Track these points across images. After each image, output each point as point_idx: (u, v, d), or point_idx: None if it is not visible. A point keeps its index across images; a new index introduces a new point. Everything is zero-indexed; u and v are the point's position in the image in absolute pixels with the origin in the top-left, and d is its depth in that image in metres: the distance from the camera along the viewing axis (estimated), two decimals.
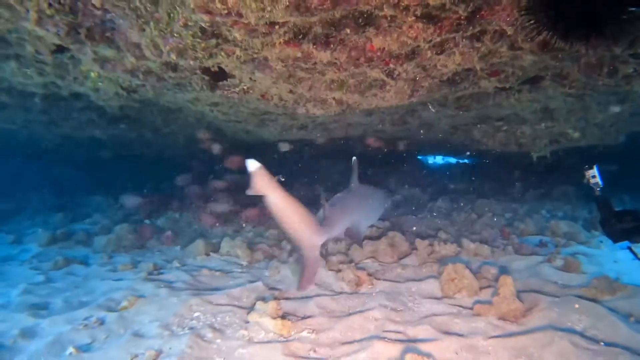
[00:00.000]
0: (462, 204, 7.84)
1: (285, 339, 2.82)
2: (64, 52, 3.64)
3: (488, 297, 3.38)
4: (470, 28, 2.80)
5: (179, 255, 5.23)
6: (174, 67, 3.51)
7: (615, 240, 3.61)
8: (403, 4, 2.35)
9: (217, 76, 3.82)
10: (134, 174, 10.33)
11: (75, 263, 4.82)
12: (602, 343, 2.55)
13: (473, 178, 10.53)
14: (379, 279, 4.00)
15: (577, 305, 3.01)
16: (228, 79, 3.89)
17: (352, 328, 2.95)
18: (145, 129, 7.55)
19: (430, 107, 4.70)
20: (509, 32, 2.83)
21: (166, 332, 2.90)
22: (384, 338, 2.70)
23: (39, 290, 3.81)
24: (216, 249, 5.23)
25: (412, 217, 6.68)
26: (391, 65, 3.39)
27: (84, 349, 2.71)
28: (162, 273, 4.41)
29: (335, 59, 3.14)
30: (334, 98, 4.07)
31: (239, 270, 4.50)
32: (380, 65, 3.37)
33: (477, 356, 2.54)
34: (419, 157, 14.24)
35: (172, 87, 4.20)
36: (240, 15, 2.16)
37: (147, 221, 7.37)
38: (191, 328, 2.98)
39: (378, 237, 4.97)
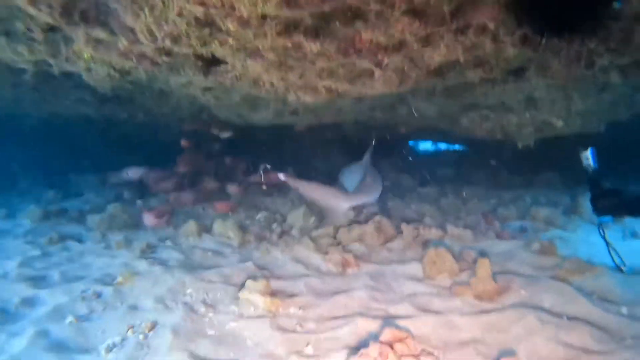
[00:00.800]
0: (449, 190, 8.06)
1: (273, 315, 3.00)
2: (57, 32, 3.68)
3: (467, 279, 3.59)
4: (455, 23, 2.92)
5: (171, 235, 5.37)
6: (168, 52, 3.57)
7: (598, 215, 3.93)
8: (389, 1, 2.46)
9: (210, 62, 3.90)
10: (125, 154, 10.35)
11: (69, 239, 4.94)
12: (565, 317, 2.78)
13: (462, 165, 10.76)
14: (365, 262, 4.19)
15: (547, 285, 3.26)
16: (221, 65, 3.96)
17: (337, 306, 3.14)
18: (137, 110, 7.57)
19: (414, 111, 5.08)
20: (490, 27, 2.95)
21: (161, 305, 3.08)
22: (366, 315, 2.90)
23: (35, 264, 3.95)
24: (208, 229, 5.37)
25: (399, 202, 6.87)
26: (379, 57, 3.49)
27: (83, 318, 2.89)
28: (155, 252, 4.56)
29: (325, 49, 3.24)
30: (324, 86, 4.17)
31: (231, 250, 4.66)
32: (369, 56, 3.48)
33: (452, 331, 2.76)
34: (409, 142, 14.39)
35: (166, 72, 4.26)
36: (233, 8, 2.25)
37: (139, 201, 7.47)
38: (184, 303, 3.15)
39: (365, 222, 5.16)
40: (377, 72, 3.91)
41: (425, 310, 3.04)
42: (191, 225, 5.35)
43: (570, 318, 2.79)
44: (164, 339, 2.62)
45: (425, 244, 4.59)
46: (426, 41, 3.29)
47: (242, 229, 5.25)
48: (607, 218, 3.96)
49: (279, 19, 2.64)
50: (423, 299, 3.23)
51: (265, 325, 2.80)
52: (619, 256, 3.76)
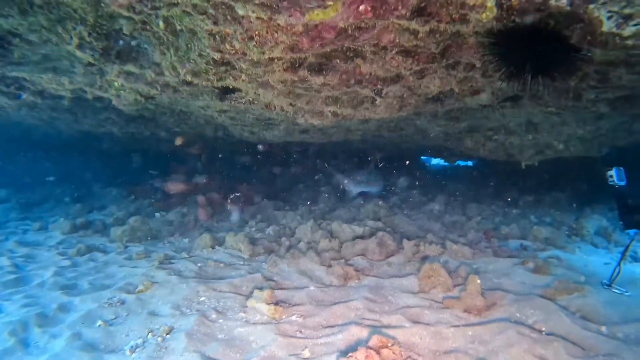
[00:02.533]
0: (455, 207, 8.26)
1: (277, 322, 3.31)
2: (94, 65, 4.15)
3: (459, 294, 3.83)
4: (445, 60, 3.25)
5: (187, 247, 5.74)
6: (189, 83, 3.99)
7: (625, 227, 4.21)
8: (381, 45, 2.81)
9: (226, 90, 4.31)
10: (145, 168, 10.89)
11: (95, 251, 5.37)
12: (544, 332, 3.01)
13: (471, 181, 10.92)
14: (365, 275, 4.46)
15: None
16: (235, 92, 4.37)
17: (335, 315, 3.43)
18: (159, 128, 8.09)
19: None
20: (477, 65, 3.27)
21: (177, 312, 3.42)
22: (361, 324, 3.18)
23: (66, 273, 4.37)
24: (221, 242, 5.72)
25: (405, 218, 7.12)
26: (379, 86, 3.84)
27: (110, 322, 3.26)
28: (172, 263, 4.92)
29: (328, 80, 3.60)
30: (329, 111, 4.53)
31: (241, 262, 4.99)
32: (369, 86, 3.83)
33: (438, 341, 3.01)
34: (422, 158, 14.61)
35: (186, 97, 4.70)
36: (245, 54, 2.63)
37: (157, 214, 7.90)
38: (198, 310, 3.49)
39: (369, 236, 5.44)
40: (378, 99, 4.26)
41: (416, 321, 3.29)
42: (205, 238, 5.71)
43: (550, 333, 3.01)
44: (179, 342, 2.94)
45: (425, 260, 4.84)
46: (421, 74, 3.63)
47: (252, 242, 5.58)
48: (634, 231, 4.23)
49: (284, 59, 3.02)
50: (415, 310, 3.48)
51: (269, 331, 3.11)
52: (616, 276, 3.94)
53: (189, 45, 3.05)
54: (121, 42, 3.34)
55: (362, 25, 2.41)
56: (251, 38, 2.40)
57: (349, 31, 2.46)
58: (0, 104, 5.53)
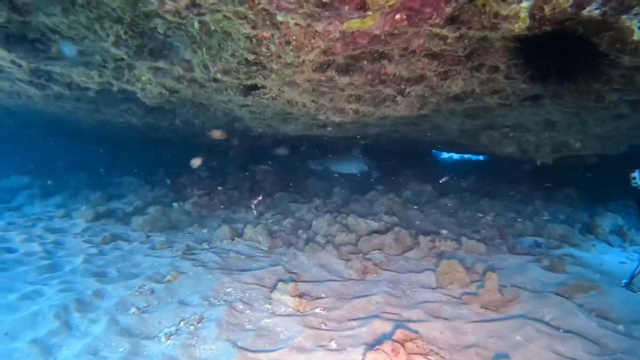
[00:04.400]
0: (468, 203, 8.31)
1: (301, 314, 3.44)
2: (124, 60, 4.26)
3: (476, 290, 3.93)
4: (470, 63, 3.30)
5: (206, 238, 5.88)
6: (217, 80, 4.09)
7: None
8: (410, 49, 2.87)
9: (251, 86, 4.40)
10: (161, 157, 11.07)
11: (119, 239, 5.54)
12: (562, 330, 3.11)
13: (484, 177, 10.93)
14: (383, 269, 4.57)
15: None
16: (260, 89, 4.46)
17: (356, 308, 3.55)
18: (177, 119, 8.21)
19: None
20: (502, 67, 3.32)
21: (205, 302, 3.57)
22: (382, 317, 3.30)
23: (95, 261, 4.55)
24: (240, 234, 5.86)
25: (419, 213, 7.20)
26: (402, 86, 3.91)
27: (142, 310, 3.42)
28: (194, 253, 5.07)
29: (354, 80, 3.68)
30: (351, 108, 4.61)
31: (261, 254, 5.11)
32: (392, 86, 3.90)
33: (458, 335, 3.12)
34: (433, 151, 14.60)
35: (210, 92, 4.80)
36: (279, 57, 2.72)
37: (175, 204, 8.06)
38: (225, 300, 3.63)
39: (385, 232, 5.55)
40: (400, 98, 4.33)
41: (436, 316, 3.41)
42: (224, 230, 5.85)
43: (567, 331, 3.11)
44: (211, 331, 3.09)
45: (441, 255, 4.94)
46: (445, 75, 3.69)
47: (271, 234, 5.71)
48: None
49: (314, 61, 3.09)
50: (434, 306, 3.60)
51: (294, 323, 3.24)
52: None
53: (222, 45, 3.14)
54: (155, 40, 3.43)
55: (395, 32, 2.48)
56: (288, 42, 2.49)
57: (382, 37, 2.53)
58: (28, 94, 5.68)
